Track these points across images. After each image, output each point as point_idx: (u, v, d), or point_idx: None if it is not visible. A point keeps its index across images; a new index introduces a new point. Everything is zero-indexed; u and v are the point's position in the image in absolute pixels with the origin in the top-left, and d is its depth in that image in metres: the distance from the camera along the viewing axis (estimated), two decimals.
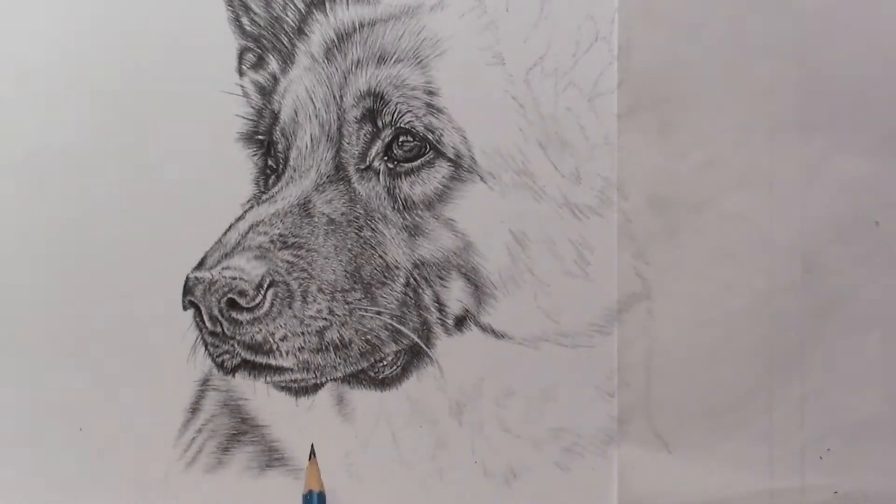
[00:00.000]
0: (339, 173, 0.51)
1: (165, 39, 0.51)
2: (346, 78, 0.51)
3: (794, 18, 0.51)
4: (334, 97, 0.51)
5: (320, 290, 0.49)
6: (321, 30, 0.51)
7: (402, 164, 0.51)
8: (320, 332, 0.49)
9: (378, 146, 0.51)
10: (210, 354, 0.50)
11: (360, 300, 0.50)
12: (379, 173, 0.51)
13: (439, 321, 0.51)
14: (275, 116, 0.51)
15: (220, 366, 0.51)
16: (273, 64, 0.52)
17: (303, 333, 0.49)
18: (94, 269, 0.51)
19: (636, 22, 0.50)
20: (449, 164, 0.51)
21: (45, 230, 0.51)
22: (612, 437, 0.51)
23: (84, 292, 0.51)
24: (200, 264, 0.50)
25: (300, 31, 0.51)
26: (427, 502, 0.51)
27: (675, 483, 0.51)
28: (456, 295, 0.51)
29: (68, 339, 0.51)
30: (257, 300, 0.48)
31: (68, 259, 0.51)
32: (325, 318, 0.49)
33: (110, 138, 0.51)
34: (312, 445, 0.50)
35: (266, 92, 0.51)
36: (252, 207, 0.51)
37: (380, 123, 0.50)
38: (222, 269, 0.48)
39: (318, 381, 0.51)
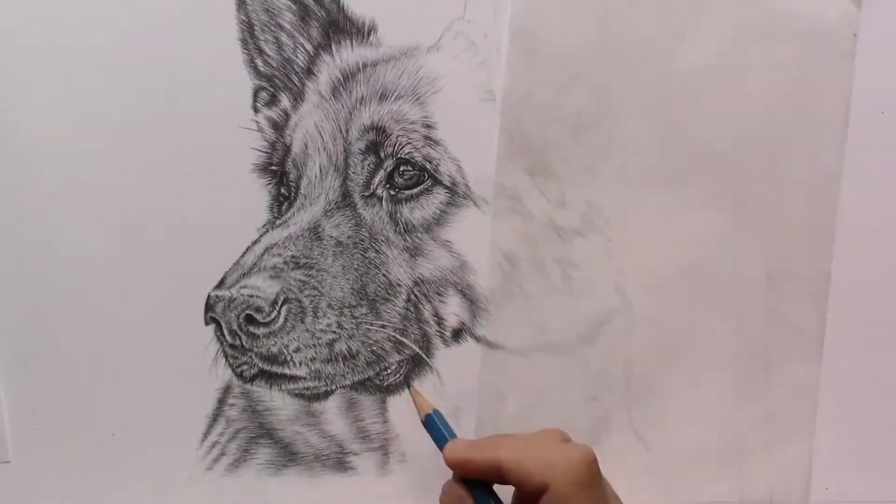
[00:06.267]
0: (345, 200, 0.52)
1: (188, 80, 0.52)
2: (351, 113, 0.52)
3: (660, 80, 0.51)
4: (340, 131, 0.52)
5: (329, 306, 0.51)
6: (328, 70, 0.52)
7: (402, 191, 0.52)
8: (330, 344, 0.51)
9: (381, 175, 0.52)
10: (230, 365, 0.52)
11: (365, 315, 0.52)
12: (382, 200, 0.52)
13: (438, 333, 0.53)
14: (287, 149, 0.52)
15: (240, 375, 0.52)
16: (285, 101, 0.52)
17: (314, 345, 0.51)
18: (125, 287, 0.52)
19: (518, 76, 0.51)
20: (445, 191, 0.52)
21: (79, 256, 0.52)
22: (596, 437, 0.52)
23: (116, 310, 0.52)
24: (220, 283, 0.51)
25: (309, 72, 0.52)
26: (428, 498, 0.52)
27: (653, 480, 0.52)
28: (453, 309, 0.52)
29: (102, 352, 0.52)
30: (272, 316, 0.50)
31: (102, 279, 0.52)
32: (335, 332, 0.51)
33: (138, 169, 0.52)
34: (407, 380, 0.51)
35: (279, 127, 0.52)
36: (267, 232, 0.52)
37: (382, 154, 0.52)
38: (240, 287, 0.50)
39: (329, 389, 0.53)
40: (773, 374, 0.53)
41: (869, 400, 0.53)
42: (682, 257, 0.52)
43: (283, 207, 0.53)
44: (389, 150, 0.52)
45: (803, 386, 0.53)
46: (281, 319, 0.51)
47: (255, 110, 0.53)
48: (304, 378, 0.52)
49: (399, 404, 0.53)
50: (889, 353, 0.53)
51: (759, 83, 0.51)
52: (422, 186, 0.52)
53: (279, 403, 0.53)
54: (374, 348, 0.52)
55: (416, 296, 0.52)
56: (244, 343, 0.51)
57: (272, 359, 0.52)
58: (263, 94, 0.53)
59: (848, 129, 0.51)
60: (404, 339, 0.52)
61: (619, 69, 0.51)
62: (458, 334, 0.53)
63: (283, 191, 0.53)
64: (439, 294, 0.52)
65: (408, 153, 0.52)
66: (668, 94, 0.51)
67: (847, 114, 0.51)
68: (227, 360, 0.52)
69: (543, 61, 0.52)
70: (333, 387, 0.53)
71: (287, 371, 0.52)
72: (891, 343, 0.53)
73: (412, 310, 0.52)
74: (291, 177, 0.53)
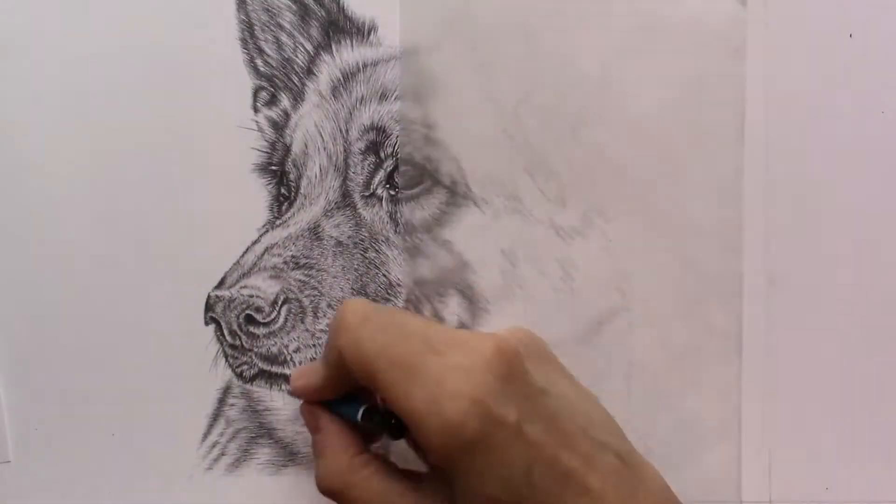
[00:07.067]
0: (345, 200, 0.52)
1: (188, 80, 0.52)
2: (351, 113, 0.52)
3: (572, 93, 0.52)
4: (341, 131, 0.52)
5: (329, 306, 0.51)
6: (328, 70, 0.52)
7: (402, 191, 0.52)
8: None
9: (381, 175, 0.52)
10: (230, 365, 0.52)
11: None
12: (382, 200, 0.52)
13: None
14: (287, 149, 0.52)
15: (240, 375, 0.52)
16: (285, 101, 0.53)
17: (314, 345, 0.51)
18: (125, 287, 0.53)
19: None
20: (445, 191, 0.52)
21: (79, 256, 0.52)
22: None
23: (116, 310, 0.53)
24: (220, 284, 0.52)
25: (309, 71, 0.53)
26: None
27: None
28: (453, 309, 0.52)
29: (102, 352, 0.53)
30: (272, 316, 0.51)
31: (102, 279, 0.53)
32: None
33: (138, 169, 0.52)
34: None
35: (279, 127, 0.52)
36: (267, 231, 0.52)
37: (382, 155, 0.52)
38: (240, 287, 0.51)
39: None
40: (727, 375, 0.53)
41: (869, 399, 0.53)
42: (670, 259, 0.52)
43: (283, 207, 0.53)
44: (389, 150, 0.52)
45: (727, 386, 0.53)
46: (281, 319, 0.51)
47: (255, 110, 0.53)
48: None
49: None
50: (887, 351, 0.53)
51: (652, 88, 0.52)
52: (422, 186, 0.52)
53: (279, 403, 0.53)
54: None
55: (416, 296, 0.52)
56: (244, 343, 0.52)
57: (272, 359, 0.52)
58: (263, 94, 0.53)
59: (745, 128, 0.52)
60: None
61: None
62: None
63: (283, 191, 0.53)
64: (439, 294, 0.53)
65: (408, 153, 0.52)
66: (573, 102, 0.52)
67: (743, 113, 0.52)
68: (227, 360, 0.53)
69: (543, 60, 0.52)
70: None
71: (287, 371, 0.52)
72: (888, 341, 0.53)
73: (412, 310, 0.53)
74: (291, 177, 0.53)
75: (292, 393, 0.48)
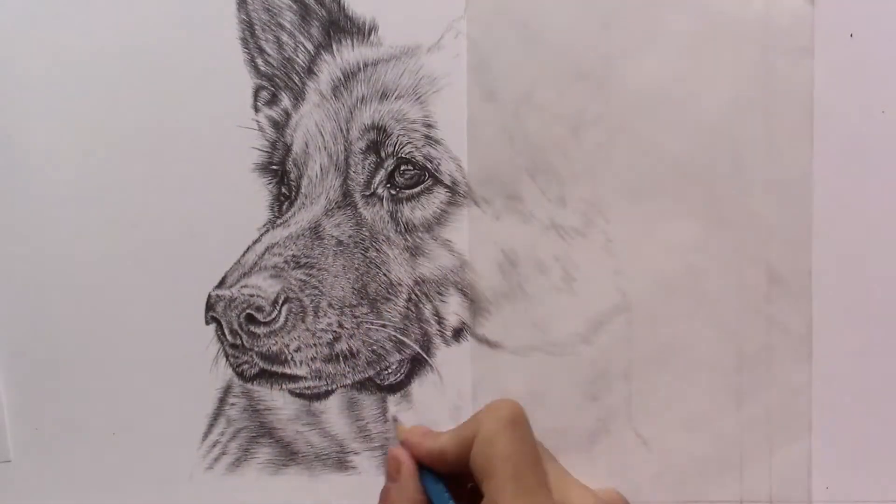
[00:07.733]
0: (346, 199, 0.52)
1: (188, 79, 0.52)
2: (351, 113, 0.52)
3: (616, 92, 0.52)
4: (341, 130, 0.52)
5: (330, 305, 0.52)
6: (329, 69, 0.53)
7: (403, 190, 0.52)
8: (331, 344, 0.52)
9: (381, 175, 0.52)
10: (231, 364, 0.53)
11: (366, 314, 0.52)
12: (382, 199, 0.52)
13: (438, 333, 0.53)
14: (287, 148, 0.53)
15: (240, 375, 0.53)
16: (285, 101, 0.53)
17: (315, 345, 0.52)
18: (125, 287, 0.53)
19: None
20: (446, 190, 0.52)
21: (79, 256, 0.53)
22: (596, 437, 0.52)
23: (116, 310, 0.53)
24: (221, 283, 0.52)
25: (310, 71, 0.53)
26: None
27: (654, 479, 0.52)
28: (453, 309, 0.52)
29: (102, 352, 0.53)
30: (273, 315, 0.51)
31: (102, 279, 0.53)
32: (335, 331, 0.52)
33: (138, 168, 0.53)
34: (394, 417, 0.52)
35: (279, 126, 0.53)
36: (267, 231, 0.52)
37: (383, 154, 0.52)
38: (241, 287, 0.51)
39: (330, 388, 0.53)
40: (768, 376, 0.53)
41: (868, 399, 0.53)
42: (676, 260, 0.52)
43: (284, 207, 0.53)
44: (390, 149, 0.52)
45: (797, 386, 0.52)
46: (282, 319, 0.51)
47: (256, 110, 0.53)
48: (305, 377, 0.52)
49: (400, 404, 0.53)
50: (886, 351, 0.53)
51: (719, 88, 0.52)
52: (422, 186, 0.52)
53: (280, 403, 0.53)
54: (375, 348, 0.52)
55: (416, 295, 0.53)
56: (245, 342, 0.52)
57: (273, 358, 0.52)
58: (264, 94, 0.53)
59: (814, 129, 0.52)
60: (405, 339, 0.53)
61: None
62: (458, 334, 0.53)
63: (283, 190, 0.53)
64: (440, 293, 0.53)
65: (408, 152, 0.52)
66: (628, 108, 0.52)
67: (812, 111, 0.52)
68: (227, 359, 0.53)
69: (544, 59, 0.52)
70: (334, 386, 0.53)
71: (288, 370, 0.52)
72: (888, 341, 0.53)
73: (413, 309, 0.53)
74: (292, 176, 0.53)
75: (401, 440, 0.47)
